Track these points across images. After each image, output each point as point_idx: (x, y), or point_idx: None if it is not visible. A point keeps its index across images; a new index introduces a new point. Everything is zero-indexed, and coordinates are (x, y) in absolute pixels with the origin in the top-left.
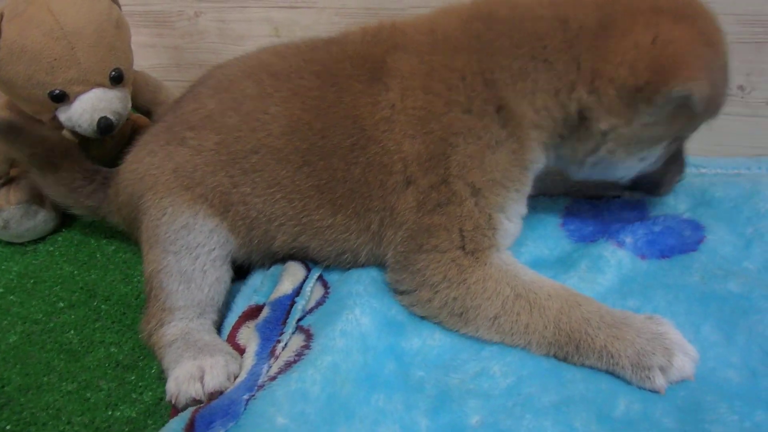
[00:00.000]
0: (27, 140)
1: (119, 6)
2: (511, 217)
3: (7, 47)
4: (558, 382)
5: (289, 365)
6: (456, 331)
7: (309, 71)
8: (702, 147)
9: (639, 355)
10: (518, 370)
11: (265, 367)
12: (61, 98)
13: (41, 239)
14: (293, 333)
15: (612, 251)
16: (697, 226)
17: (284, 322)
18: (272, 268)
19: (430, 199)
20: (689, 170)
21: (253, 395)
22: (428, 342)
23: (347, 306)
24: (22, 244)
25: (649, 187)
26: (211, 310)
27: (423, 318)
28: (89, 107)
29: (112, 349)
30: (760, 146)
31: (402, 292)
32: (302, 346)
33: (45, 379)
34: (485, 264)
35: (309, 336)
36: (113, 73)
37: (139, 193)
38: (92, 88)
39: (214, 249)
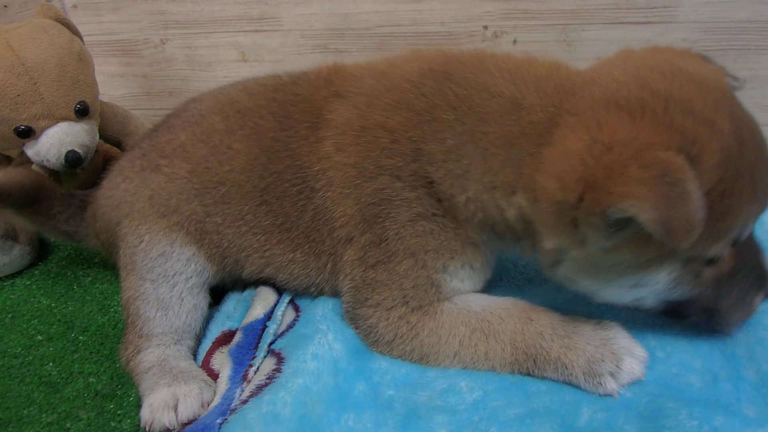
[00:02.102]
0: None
1: (81, 38)
2: (461, 278)
3: None
4: (523, 395)
5: (260, 388)
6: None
7: (268, 111)
8: None
9: (590, 363)
10: (484, 384)
11: (238, 391)
12: (27, 134)
13: (18, 273)
14: (265, 357)
15: None
16: None
17: (256, 347)
18: (245, 293)
19: (370, 256)
20: None
21: (226, 419)
22: (396, 361)
23: (319, 330)
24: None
25: (704, 318)
26: (188, 336)
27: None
28: (56, 141)
29: (91, 379)
30: None
31: (369, 343)
32: (274, 369)
33: (25, 411)
34: (435, 315)
35: (280, 359)
36: (78, 106)
37: (116, 220)
38: (58, 122)
39: (191, 277)
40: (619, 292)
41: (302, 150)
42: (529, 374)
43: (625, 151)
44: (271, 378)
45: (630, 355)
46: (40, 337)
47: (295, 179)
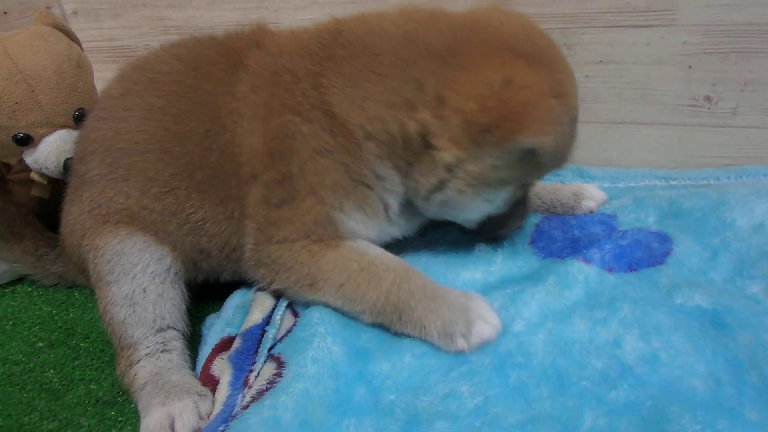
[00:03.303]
0: None
1: (80, 45)
2: (356, 220)
3: None
4: (524, 401)
5: (261, 393)
6: (304, 298)
7: (172, 56)
8: (672, 159)
9: (445, 325)
10: (486, 390)
11: (239, 397)
12: (25, 141)
13: (19, 280)
14: (265, 361)
15: (578, 267)
16: (664, 238)
17: (256, 352)
18: (244, 299)
19: (274, 195)
20: (658, 183)
21: (228, 425)
22: (398, 365)
23: (318, 333)
24: (0, 286)
25: (491, 231)
26: (172, 336)
27: (281, 292)
28: (55, 149)
29: (92, 386)
30: (728, 156)
31: (266, 284)
32: (274, 374)
33: (26, 419)
34: (336, 247)
35: (280, 364)
36: (77, 113)
37: (77, 244)
38: (56, 129)
39: (148, 265)
40: (477, 207)
41: (216, 89)
42: (387, 327)
43: (532, 94)
44: (271, 383)
45: (483, 321)
46: (41, 344)
47: (203, 120)
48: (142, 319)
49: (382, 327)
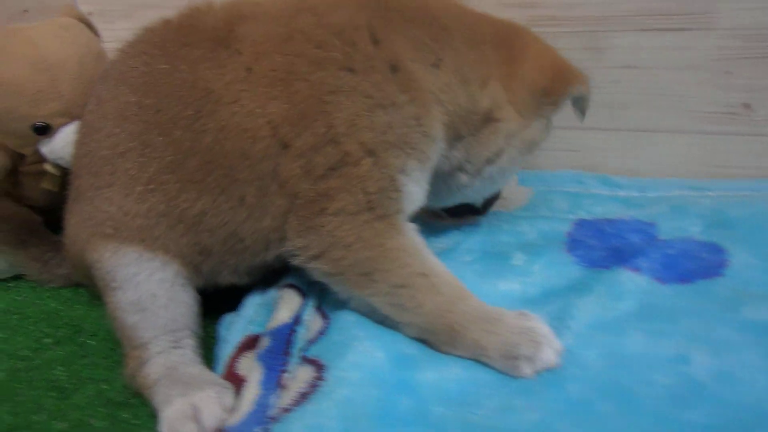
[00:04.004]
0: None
1: (100, 39)
2: (417, 180)
3: None
4: (591, 417)
5: (303, 396)
6: (348, 291)
7: (135, 52)
8: (704, 168)
9: (508, 348)
10: (543, 404)
11: (273, 397)
12: (44, 131)
13: (22, 275)
14: (299, 363)
15: (628, 277)
16: (716, 249)
17: (286, 352)
18: (265, 297)
19: (316, 163)
20: (692, 193)
21: (267, 428)
22: (445, 376)
23: (357, 337)
24: (4, 280)
25: (485, 209)
26: (184, 335)
27: (331, 275)
28: (71, 139)
29: (103, 386)
30: (765, 167)
31: (312, 257)
32: (315, 377)
33: (35, 417)
34: (400, 233)
35: (320, 367)
36: None
37: (79, 255)
38: (74, 120)
39: (152, 273)
40: (504, 180)
41: (198, 68)
42: (432, 345)
43: (562, 57)
44: (313, 386)
45: (547, 344)
46: (47, 340)
47: (188, 102)
48: (153, 324)
49: None
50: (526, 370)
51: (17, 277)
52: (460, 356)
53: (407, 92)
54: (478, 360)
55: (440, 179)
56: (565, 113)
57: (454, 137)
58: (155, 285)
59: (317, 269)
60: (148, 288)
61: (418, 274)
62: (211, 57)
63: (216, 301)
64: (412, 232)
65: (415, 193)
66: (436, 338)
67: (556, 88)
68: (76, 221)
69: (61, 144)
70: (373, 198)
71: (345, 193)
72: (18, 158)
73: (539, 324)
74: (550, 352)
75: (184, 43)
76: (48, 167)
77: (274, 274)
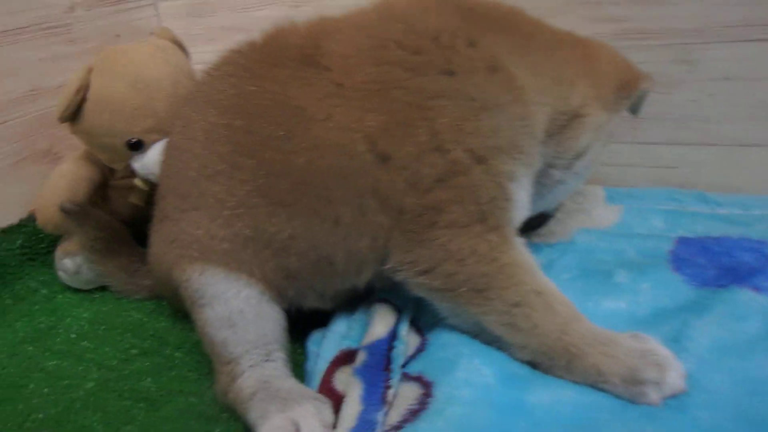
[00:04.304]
0: (94, 224)
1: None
2: (524, 187)
3: (94, 98)
4: None
5: (413, 414)
6: (461, 309)
7: (221, 74)
8: None
9: (631, 372)
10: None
11: (380, 414)
12: (138, 146)
13: (106, 287)
14: (400, 380)
15: (749, 296)
16: None
17: (386, 368)
18: (356, 313)
19: (423, 176)
20: None
21: None
22: (560, 398)
23: (463, 354)
24: (89, 291)
25: (547, 216)
26: (274, 348)
27: (440, 291)
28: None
29: (192, 399)
30: None
31: (421, 272)
32: (422, 394)
33: (127, 428)
34: (513, 247)
35: (426, 384)
36: None
37: (165, 274)
38: (165, 136)
39: (239, 290)
40: (584, 178)
41: (288, 87)
42: (545, 370)
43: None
44: (422, 403)
45: (672, 367)
46: (134, 351)
47: (280, 122)
48: (243, 339)
49: None
50: (653, 396)
51: (102, 288)
52: (574, 381)
53: (509, 92)
54: (595, 386)
55: (534, 179)
56: (658, 128)
57: (547, 135)
58: (243, 301)
59: (425, 285)
60: (237, 304)
61: (533, 292)
62: (300, 75)
63: (300, 316)
64: (522, 246)
65: (523, 201)
66: (551, 362)
67: (631, 82)
68: (161, 241)
69: (152, 159)
70: (484, 208)
71: (455, 204)
72: (108, 173)
73: (658, 346)
74: (676, 376)
75: (271, 64)
76: (137, 182)
77: (358, 299)
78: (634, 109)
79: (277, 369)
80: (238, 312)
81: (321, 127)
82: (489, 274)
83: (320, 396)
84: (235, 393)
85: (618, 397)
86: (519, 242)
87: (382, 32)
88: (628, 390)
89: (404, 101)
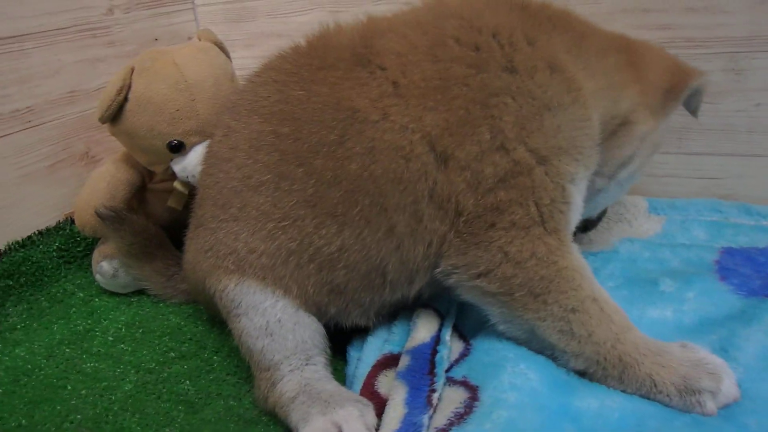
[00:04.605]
0: (130, 229)
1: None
2: (581, 191)
3: (135, 99)
4: None
5: (460, 417)
6: (515, 314)
7: (265, 80)
8: None
9: (686, 381)
10: None
11: (425, 418)
12: (178, 149)
13: (143, 290)
14: (445, 383)
15: None
16: None
17: (430, 372)
18: (398, 318)
19: (485, 176)
20: None
21: None
22: (607, 404)
23: (508, 358)
24: (126, 294)
25: (590, 223)
26: (314, 353)
27: (494, 295)
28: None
29: (231, 402)
30: None
31: (476, 275)
32: (468, 398)
33: (166, 430)
34: (571, 251)
35: (471, 388)
36: None
37: (201, 282)
38: (207, 139)
39: (276, 300)
40: (630, 185)
41: (339, 88)
42: (597, 380)
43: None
44: (469, 407)
45: (728, 376)
46: (172, 354)
47: (331, 126)
48: (282, 347)
49: None
50: (710, 405)
51: (139, 292)
52: (625, 391)
53: (569, 93)
54: (648, 397)
55: None
56: (703, 138)
57: (600, 140)
58: (280, 311)
59: (480, 288)
60: (274, 314)
61: (589, 298)
62: (352, 76)
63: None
64: (578, 251)
65: (579, 204)
66: (604, 372)
67: (680, 84)
68: (197, 249)
69: (193, 162)
70: (544, 210)
71: (516, 205)
72: (147, 176)
73: (709, 355)
74: (730, 384)
75: (319, 67)
76: (177, 185)
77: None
78: (691, 108)
79: (317, 372)
80: (275, 321)
81: (376, 129)
82: (547, 277)
83: (362, 398)
84: (275, 398)
85: (669, 407)
86: (575, 247)
87: (439, 29)
88: (683, 400)
89: (466, 98)
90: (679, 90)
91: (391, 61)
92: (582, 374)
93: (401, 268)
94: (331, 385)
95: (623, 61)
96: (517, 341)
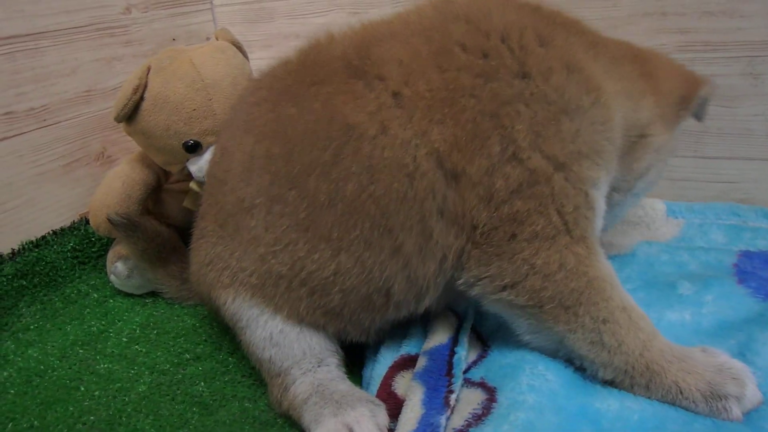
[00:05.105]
0: (143, 235)
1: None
2: (604, 197)
3: (152, 98)
4: None
5: (478, 418)
6: (544, 326)
7: (256, 99)
8: None
9: (712, 387)
10: None
11: (443, 418)
12: (194, 148)
13: (158, 292)
14: (463, 384)
15: None
16: None
17: (449, 373)
18: (415, 322)
19: (497, 187)
20: None
21: None
22: (628, 406)
23: (527, 360)
24: (141, 295)
25: None
26: (325, 355)
27: (523, 307)
28: None
29: (247, 404)
30: None
31: (501, 288)
32: (486, 399)
33: None
34: (600, 259)
35: (489, 389)
36: None
37: (206, 293)
38: None
39: (276, 314)
40: (644, 195)
41: (333, 103)
42: (625, 389)
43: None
44: (487, 408)
45: (751, 380)
46: (187, 356)
47: (324, 145)
48: (289, 354)
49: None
50: (736, 411)
51: (154, 294)
52: (651, 399)
53: (589, 94)
54: (673, 404)
55: None
56: (721, 142)
57: (621, 154)
58: (281, 322)
59: (507, 301)
60: (275, 325)
61: (619, 308)
62: (346, 90)
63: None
64: (605, 257)
65: (603, 209)
66: (631, 381)
67: (691, 93)
68: (200, 262)
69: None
70: (569, 218)
71: (537, 215)
72: (163, 176)
73: (731, 360)
74: (754, 389)
75: (311, 82)
76: (193, 185)
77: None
78: (698, 116)
79: (330, 372)
80: (278, 332)
81: (374, 146)
82: (578, 289)
83: (375, 399)
84: (289, 401)
85: (695, 413)
86: (603, 253)
87: (443, 34)
88: (709, 406)
89: (475, 110)
90: (691, 99)
91: (392, 71)
92: (610, 384)
93: (408, 286)
94: (344, 385)
95: (638, 72)
96: (543, 352)
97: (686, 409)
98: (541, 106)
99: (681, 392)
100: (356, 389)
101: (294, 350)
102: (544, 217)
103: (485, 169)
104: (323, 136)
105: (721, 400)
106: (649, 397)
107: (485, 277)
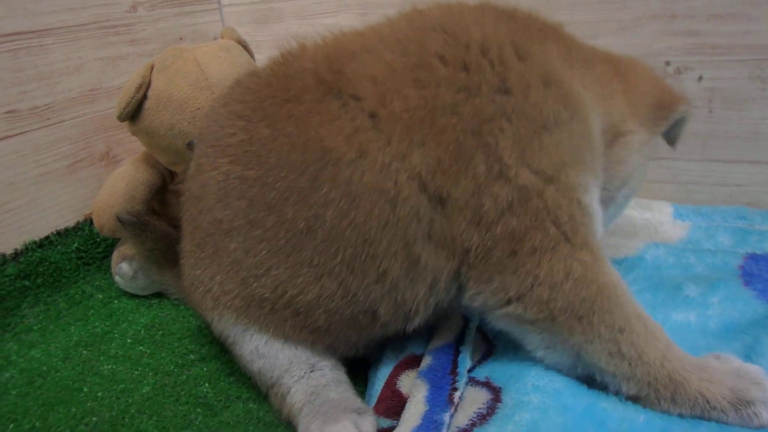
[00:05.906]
0: (151, 235)
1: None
2: (596, 198)
3: (155, 96)
4: None
5: (482, 418)
6: (560, 339)
7: (229, 114)
8: None
9: (737, 394)
10: None
11: (446, 415)
12: None
13: (163, 293)
14: (467, 383)
15: None
16: None
17: (452, 371)
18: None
19: (486, 207)
20: None
21: None
22: (634, 406)
23: (532, 360)
24: (146, 297)
25: None
26: (316, 360)
27: (533, 322)
28: None
29: (251, 405)
30: None
31: (507, 301)
32: (491, 399)
33: None
34: (607, 264)
35: (494, 389)
36: None
37: (198, 309)
38: None
39: (258, 331)
40: (626, 207)
41: (307, 128)
42: (651, 404)
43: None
44: (492, 408)
45: None
46: (192, 357)
47: (301, 169)
48: (277, 364)
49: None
50: (765, 415)
51: (159, 295)
52: (679, 414)
53: (567, 108)
54: (703, 417)
55: None
56: (728, 145)
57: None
58: (266, 335)
59: (515, 315)
60: (260, 337)
61: (634, 316)
62: (321, 110)
63: None
64: (611, 264)
65: (599, 212)
66: (657, 394)
67: (669, 103)
68: (186, 278)
69: None
70: (566, 228)
71: (533, 230)
72: (168, 176)
73: (745, 364)
74: None
75: (283, 99)
76: None
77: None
78: (672, 138)
79: (324, 377)
80: (263, 344)
81: (353, 171)
82: (589, 298)
83: (361, 406)
84: (287, 409)
85: (727, 423)
86: (608, 258)
87: (420, 47)
88: (739, 414)
89: (458, 129)
90: (669, 109)
91: (367, 89)
92: (635, 400)
93: (395, 309)
94: (337, 392)
95: (610, 72)
96: (559, 369)
97: (718, 421)
98: (522, 122)
99: (708, 402)
100: (348, 396)
101: (279, 360)
102: (541, 231)
103: (471, 190)
104: (299, 161)
105: (749, 406)
106: (680, 414)
107: (489, 291)
